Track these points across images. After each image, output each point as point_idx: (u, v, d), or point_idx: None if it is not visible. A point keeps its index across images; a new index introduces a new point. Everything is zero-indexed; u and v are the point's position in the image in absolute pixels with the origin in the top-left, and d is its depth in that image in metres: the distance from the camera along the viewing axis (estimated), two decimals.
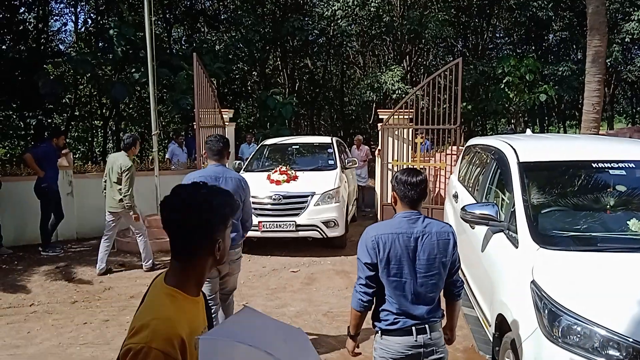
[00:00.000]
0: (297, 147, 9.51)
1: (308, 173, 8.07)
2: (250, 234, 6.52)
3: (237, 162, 8.75)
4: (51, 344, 4.82)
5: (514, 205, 3.73)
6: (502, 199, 4.25)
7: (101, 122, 19.96)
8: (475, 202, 4.68)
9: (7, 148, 18.72)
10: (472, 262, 4.57)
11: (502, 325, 3.41)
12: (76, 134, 20.89)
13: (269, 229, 7.36)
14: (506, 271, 3.54)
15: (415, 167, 8.96)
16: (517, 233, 3.53)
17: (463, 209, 3.98)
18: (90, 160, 13.59)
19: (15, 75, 14.24)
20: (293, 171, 7.94)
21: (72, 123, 19.21)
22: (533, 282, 3.06)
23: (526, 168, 3.98)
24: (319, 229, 7.42)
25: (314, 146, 9.60)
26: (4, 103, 15.72)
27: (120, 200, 6.67)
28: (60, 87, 14.64)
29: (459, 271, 2.84)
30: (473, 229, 4.45)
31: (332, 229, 7.52)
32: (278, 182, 7.68)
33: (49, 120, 16.90)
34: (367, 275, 2.65)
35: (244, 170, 8.30)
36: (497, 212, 3.85)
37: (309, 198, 7.46)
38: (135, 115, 18.59)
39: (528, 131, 6.97)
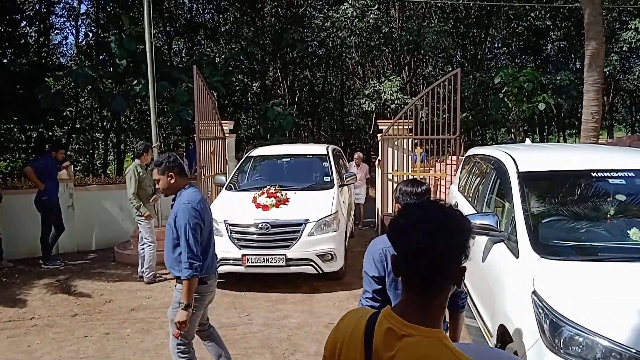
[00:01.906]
0: (288, 159, 8.34)
1: (300, 194, 6.98)
2: (232, 268, 6.31)
3: (222, 177, 7.90)
4: (51, 358, 4.79)
5: (514, 215, 3.74)
6: (502, 209, 4.25)
7: (102, 135, 20.02)
8: (475, 212, 4.69)
9: (8, 161, 18.75)
10: (473, 273, 4.56)
11: (504, 336, 3.39)
12: (77, 146, 20.95)
13: (254, 264, 6.27)
14: (507, 281, 3.53)
15: (415, 177, 8.99)
16: (517, 243, 3.53)
17: None
18: (92, 172, 13.59)
19: (17, 89, 14.31)
20: (283, 193, 6.85)
21: (73, 135, 19.27)
22: (534, 292, 3.05)
23: (526, 178, 3.99)
24: (313, 264, 6.36)
25: (307, 158, 8.28)
26: (5, 116, 15.79)
27: (146, 203, 7.02)
28: (61, 100, 14.72)
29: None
30: (473, 239, 4.43)
31: (329, 263, 6.44)
32: (265, 207, 6.59)
33: (50, 133, 16.94)
34: (374, 289, 2.57)
35: (225, 189, 7.49)
36: (497, 222, 3.86)
37: (302, 227, 6.36)
38: (136, 127, 18.65)
39: (527, 141, 7.00)
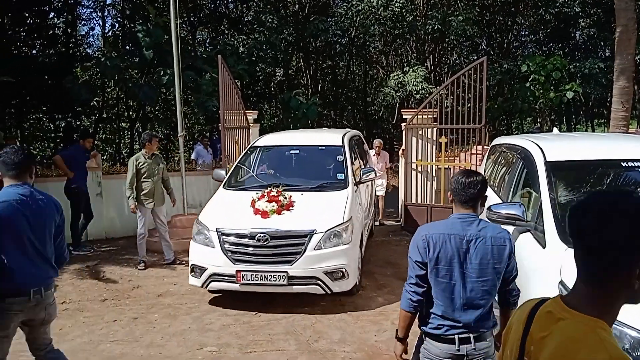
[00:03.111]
0: (297, 151, 7.14)
1: (308, 196, 5.95)
2: (225, 286, 5.46)
3: (221, 171, 6.90)
4: (82, 341, 4.94)
5: (540, 205, 3.70)
6: (529, 199, 4.21)
7: (128, 124, 20.32)
8: (501, 201, 4.65)
9: (37, 150, 19.18)
10: None
11: None
12: (104, 135, 21.31)
13: (250, 282, 5.27)
14: (533, 271, 3.50)
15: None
16: (544, 233, 3.50)
17: (489, 208, 3.96)
18: (118, 162, 13.83)
19: (45, 79, 14.59)
20: (287, 195, 5.81)
21: (100, 125, 19.60)
22: (561, 282, 3.03)
23: (553, 167, 3.94)
24: (320, 283, 5.31)
25: (319, 150, 7.08)
26: (35, 106, 16.13)
27: (148, 194, 7.07)
28: (88, 91, 14.97)
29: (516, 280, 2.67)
30: None
31: (339, 282, 5.39)
32: (265, 214, 5.58)
33: (78, 123, 17.27)
34: (418, 274, 2.59)
35: (223, 186, 6.53)
36: (524, 212, 3.82)
37: (307, 238, 5.34)
38: (161, 117, 18.88)
39: (555, 130, 6.89)
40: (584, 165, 4.09)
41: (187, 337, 4.89)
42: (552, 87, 14.64)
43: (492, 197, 5.15)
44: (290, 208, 5.73)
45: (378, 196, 9.90)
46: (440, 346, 2.55)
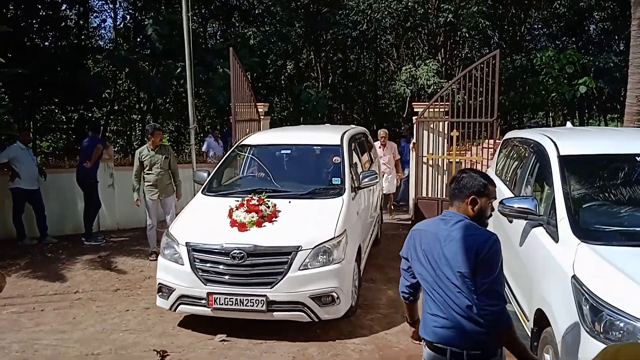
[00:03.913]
0: (289, 151, 6.37)
1: (296, 205, 5.19)
2: (195, 309, 4.76)
3: (203, 173, 6.04)
4: (95, 330, 5.01)
5: (553, 199, 3.68)
6: (541, 193, 4.19)
7: (139, 117, 20.40)
8: (514, 195, 4.63)
9: (49, 141, 19.32)
10: (510, 256, 4.51)
11: (541, 320, 3.38)
12: (115, 128, 21.42)
13: (223, 306, 4.56)
14: (546, 266, 3.50)
15: (451, 160, 8.89)
16: (557, 227, 3.48)
17: (501, 202, 3.94)
18: (130, 153, 13.91)
19: (58, 71, 14.67)
20: (271, 204, 5.05)
21: (112, 117, 19.71)
22: (574, 277, 3.02)
23: (567, 161, 3.91)
24: (306, 309, 4.55)
25: (314, 151, 6.33)
26: (47, 98, 16.23)
27: (152, 185, 7.13)
28: (100, 83, 15.03)
29: (496, 294, 2.30)
30: (511, 222, 4.40)
31: (328, 307, 4.60)
32: (242, 227, 4.80)
33: (90, 115, 17.36)
34: (403, 267, 2.69)
35: (202, 191, 5.78)
36: (536, 206, 3.81)
37: (291, 256, 4.57)
38: (172, 110, 18.95)
39: (568, 124, 6.84)
40: (598, 160, 4.06)
41: (198, 327, 4.93)
42: (565, 81, 14.49)
43: (504, 191, 5.14)
44: (274, 219, 4.94)
45: (386, 194, 9.34)
46: (431, 354, 2.44)
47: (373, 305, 5.50)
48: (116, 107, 19.34)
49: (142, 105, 19.47)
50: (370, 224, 6.68)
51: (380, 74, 23.45)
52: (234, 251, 4.56)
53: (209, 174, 5.98)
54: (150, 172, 7.13)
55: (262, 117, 9.98)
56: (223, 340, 4.66)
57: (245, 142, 6.58)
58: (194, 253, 4.71)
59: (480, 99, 8.48)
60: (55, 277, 6.56)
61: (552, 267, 3.35)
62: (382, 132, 9.57)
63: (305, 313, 4.56)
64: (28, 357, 4.46)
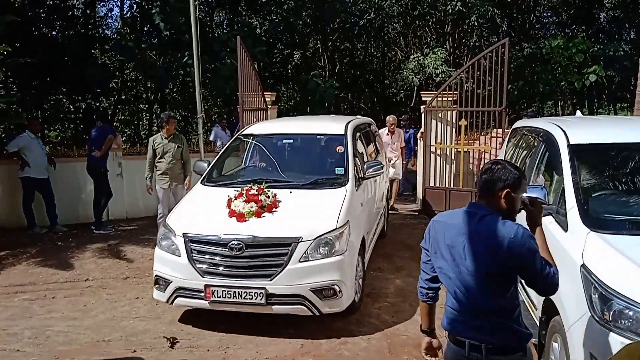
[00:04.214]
0: (291, 140, 6.30)
1: (297, 195, 5.07)
2: (192, 302, 4.67)
3: (203, 163, 5.95)
4: (105, 317, 5.07)
5: (563, 188, 3.67)
6: (551, 182, 4.17)
7: (146, 106, 20.44)
8: None
9: (58, 131, 19.41)
10: None
11: (550, 309, 3.38)
12: (122, 117, 21.47)
13: (221, 299, 4.45)
14: (554, 255, 3.46)
15: (459, 149, 8.86)
16: (566, 216, 3.48)
17: None
18: (138, 143, 13.97)
19: (65, 61, 14.70)
20: (271, 194, 4.92)
21: (119, 107, 19.76)
22: (583, 265, 3.02)
23: (576, 150, 3.89)
24: (307, 302, 4.43)
25: (317, 140, 6.23)
26: (54, 88, 16.28)
27: (163, 174, 7.18)
28: (107, 73, 15.05)
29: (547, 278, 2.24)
30: (519, 212, 4.38)
31: (330, 301, 4.49)
32: (241, 217, 4.68)
33: (97, 104, 17.42)
34: (424, 259, 2.51)
35: (202, 181, 5.67)
36: (546, 195, 3.78)
37: (291, 247, 4.44)
38: (179, 99, 18.96)
39: (578, 113, 6.80)
40: (608, 149, 4.03)
41: (207, 314, 4.96)
42: (574, 70, 14.36)
43: None
44: (274, 210, 4.80)
45: (393, 180, 9.26)
46: (452, 347, 2.37)
47: (381, 294, 5.52)
48: (123, 97, 19.36)
49: (149, 94, 19.50)
50: (375, 216, 6.50)
51: (387, 63, 23.34)
52: (232, 242, 4.44)
53: (209, 164, 5.88)
54: (161, 160, 7.17)
55: (269, 106, 9.98)
56: (230, 329, 4.69)
57: (247, 131, 6.44)
58: (191, 244, 4.59)
59: (488, 88, 8.43)
60: (66, 265, 6.63)
61: (561, 256, 3.34)
62: (390, 119, 9.43)
63: (306, 306, 4.44)
64: (40, 343, 4.52)
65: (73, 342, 4.55)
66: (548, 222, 3.74)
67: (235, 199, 4.85)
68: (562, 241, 3.41)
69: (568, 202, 3.52)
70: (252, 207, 4.73)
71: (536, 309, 3.81)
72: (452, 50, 18.73)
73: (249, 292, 4.39)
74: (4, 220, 8.24)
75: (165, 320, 4.95)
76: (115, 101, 18.90)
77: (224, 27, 20.69)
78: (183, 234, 4.65)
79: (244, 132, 6.47)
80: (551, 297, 3.31)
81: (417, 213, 9.38)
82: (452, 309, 2.37)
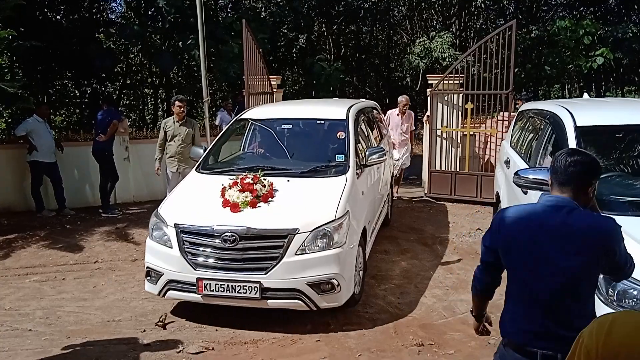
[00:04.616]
0: (290, 126, 6.00)
1: (295, 184, 4.84)
2: (184, 296, 4.47)
3: (199, 149, 5.82)
4: (115, 298, 5.15)
5: None
6: None
7: (151, 91, 20.44)
8: (528, 167, 4.63)
9: (63, 116, 19.46)
10: None
11: None
12: (128, 102, 21.50)
13: (214, 293, 4.25)
14: None
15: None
16: None
17: (516, 173, 3.95)
18: (145, 127, 14.00)
19: (70, 45, 14.69)
20: (267, 182, 4.69)
21: (124, 91, 19.77)
22: None
23: (583, 132, 3.91)
24: (303, 297, 4.23)
25: (317, 125, 5.96)
26: (60, 72, 16.30)
27: (172, 157, 7.24)
28: (112, 57, 15.02)
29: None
30: (525, 194, 4.41)
31: (328, 295, 4.29)
32: (235, 207, 4.46)
33: (103, 89, 17.44)
34: (485, 260, 2.31)
35: (196, 168, 5.46)
36: None
37: (287, 239, 4.23)
38: (184, 84, 18.95)
39: (585, 96, 6.77)
40: (615, 131, 4.04)
41: None
42: (582, 53, 14.23)
43: (519, 164, 5.13)
44: (269, 199, 4.58)
45: (402, 166, 8.98)
46: (513, 356, 2.13)
47: (387, 276, 5.57)
48: (128, 81, 19.37)
49: (154, 79, 19.49)
50: (378, 204, 6.23)
51: (393, 47, 23.19)
52: (225, 234, 4.21)
53: (205, 150, 5.70)
54: (171, 143, 7.23)
55: (275, 90, 9.97)
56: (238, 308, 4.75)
57: (245, 115, 6.17)
58: (183, 235, 4.38)
59: (495, 71, 8.39)
60: (75, 248, 6.71)
61: None
62: (402, 99, 8.90)
63: (303, 301, 4.24)
64: (52, 323, 4.60)
65: (84, 322, 4.63)
66: None
67: (230, 187, 4.63)
68: None
69: None
70: (246, 197, 4.51)
71: None
72: (458, 33, 18.59)
73: (243, 286, 4.20)
74: (14, 203, 8.34)
75: (174, 300, 5.02)
76: (121, 85, 18.91)
77: (228, 11, 20.58)
78: (175, 224, 4.45)
79: (241, 117, 6.21)
80: None
81: (422, 196, 9.39)
82: (522, 315, 2.14)
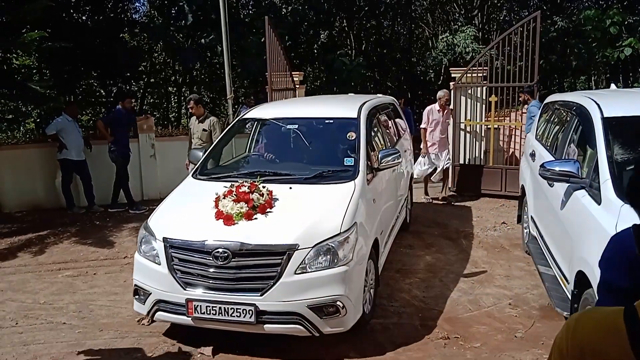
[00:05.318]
0: (296, 126, 5.35)
1: (298, 190, 4.36)
2: (173, 318, 3.98)
3: (199, 152, 5.34)
4: None
5: (596, 161, 3.65)
6: (584, 156, 4.14)
7: (175, 89, 20.72)
8: (555, 159, 4.59)
9: (90, 115, 19.86)
10: (550, 220, 4.51)
11: (582, 282, 3.39)
12: (152, 100, 21.82)
13: (205, 315, 3.77)
14: (587, 228, 3.49)
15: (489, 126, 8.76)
16: (599, 189, 3.46)
17: (542, 166, 3.93)
18: (170, 125, 14.20)
19: (95, 45, 14.98)
20: (265, 190, 4.17)
21: (149, 90, 20.07)
22: None
23: (610, 123, 3.85)
24: (304, 321, 3.72)
25: (326, 125, 5.38)
26: (86, 72, 16.63)
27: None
28: (136, 56, 15.29)
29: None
30: (552, 186, 4.38)
31: (332, 319, 3.76)
32: (229, 220, 3.94)
33: (128, 88, 17.73)
34: (614, 299, 1.45)
35: (192, 174, 4.98)
36: (579, 168, 3.78)
37: (286, 256, 3.72)
38: (207, 81, 19.16)
39: (612, 86, 6.67)
40: None
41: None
42: (608, 43, 13.96)
43: (545, 156, 5.09)
44: (268, 210, 4.05)
45: (445, 169, 8.41)
46: None
47: (411, 270, 5.59)
48: (152, 80, 19.66)
49: (177, 77, 19.74)
50: (393, 211, 5.66)
51: (414, 41, 23.05)
52: (217, 250, 3.73)
53: (204, 153, 5.25)
54: (192, 140, 7.56)
55: (297, 86, 10.03)
56: None
57: (249, 114, 5.68)
58: (172, 251, 3.90)
59: (519, 63, 8.30)
60: (105, 243, 6.89)
61: (594, 229, 3.34)
62: (442, 93, 8.15)
63: (303, 326, 3.73)
64: (85, 317, 4.74)
65: (115, 315, 4.76)
66: (581, 196, 3.74)
67: (224, 197, 4.10)
68: (595, 214, 3.40)
69: (602, 176, 3.50)
70: (241, 208, 3.98)
71: (568, 283, 3.82)
72: (480, 26, 18.38)
73: (237, 309, 3.70)
74: (45, 200, 8.58)
75: None
76: (145, 84, 19.20)
77: (250, 7, 20.71)
78: (163, 238, 3.97)
79: (245, 116, 5.72)
80: (584, 269, 3.34)
81: (453, 192, 9.31)
82: None
